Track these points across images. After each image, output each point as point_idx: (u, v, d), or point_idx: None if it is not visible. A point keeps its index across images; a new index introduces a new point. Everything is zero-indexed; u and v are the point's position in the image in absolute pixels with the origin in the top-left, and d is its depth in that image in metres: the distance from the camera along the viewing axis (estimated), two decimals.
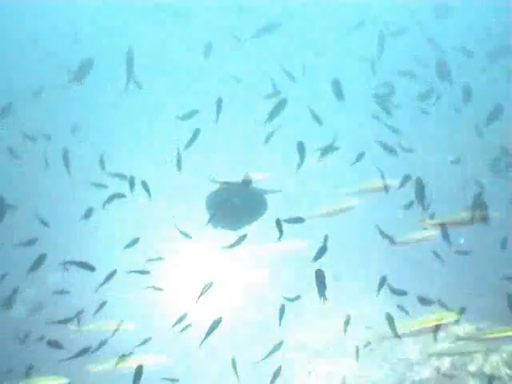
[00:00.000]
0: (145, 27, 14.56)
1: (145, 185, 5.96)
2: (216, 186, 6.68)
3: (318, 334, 7.59)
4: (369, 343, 6.37)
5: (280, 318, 5.21)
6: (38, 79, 11.47)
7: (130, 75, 7.37)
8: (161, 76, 14.43)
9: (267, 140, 6.54)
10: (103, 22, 15.77)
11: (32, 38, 14.38)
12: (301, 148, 5.76)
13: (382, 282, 6.53)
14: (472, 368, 5.52)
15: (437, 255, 5.82)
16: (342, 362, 6.95)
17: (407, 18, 12.79)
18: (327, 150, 6.21)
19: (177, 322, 5.44)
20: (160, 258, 6.02)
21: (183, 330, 5.37)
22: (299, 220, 5.71)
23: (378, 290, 5.86)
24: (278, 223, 5.25)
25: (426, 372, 5.89)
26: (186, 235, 5.98)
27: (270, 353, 5.41)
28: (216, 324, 4.97)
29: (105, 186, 6.82)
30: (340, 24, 14.36)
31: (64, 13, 15.85)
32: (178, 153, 6.06)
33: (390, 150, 6.35)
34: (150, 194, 5.94)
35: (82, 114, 13.30)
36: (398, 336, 5.07)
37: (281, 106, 6.28)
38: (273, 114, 6.29)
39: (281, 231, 5.23)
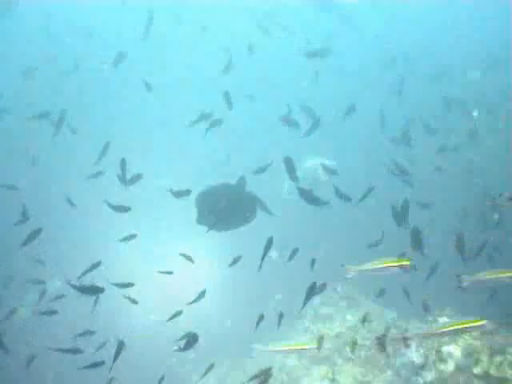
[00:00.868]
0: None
1: (123, 167, 5.96)
2: (208, 186, 6.72)
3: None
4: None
5: (257, 325, 5.27)
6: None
7: (147, 29, 9.53)
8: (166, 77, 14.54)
9: (262, 171, 6.68)
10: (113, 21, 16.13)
11: (46, 32, 14.74)
12: (288, 163, 5.77)
13: (382, 292, 6.70)
14: (477, 370, 5.45)
15: None
16: (344, 368, 6.85)
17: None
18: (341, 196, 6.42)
19: (171, 318, 5.53)
20: (170, 272, 6.01)
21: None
22: (295, 251, 5.80)
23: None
24: (267, 246, 5.25)
25: (431, 376, 5.81)
26: (189, 259, 6.03)
27: (255, 377, 5.24)
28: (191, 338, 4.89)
29: (101, 174, 6.85)
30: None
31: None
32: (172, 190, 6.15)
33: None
34: (125, 182, 5.97)
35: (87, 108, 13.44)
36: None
37: (316, 124, 7.19)
38: (310, 132, 7.15)
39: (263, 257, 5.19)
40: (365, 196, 6.30)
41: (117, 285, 5.52)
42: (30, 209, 6.97)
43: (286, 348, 5.32)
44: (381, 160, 8.08)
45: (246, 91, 11.01)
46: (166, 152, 12.98)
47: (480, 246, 6.20)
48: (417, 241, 5.44)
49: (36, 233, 5.90)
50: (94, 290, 4.98)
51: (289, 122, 7.35)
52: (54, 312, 6.00)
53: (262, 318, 5.32)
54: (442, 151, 9.07)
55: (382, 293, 6.77)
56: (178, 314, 5.68)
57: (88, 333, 6.00)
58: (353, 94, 12.44)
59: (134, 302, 5.88)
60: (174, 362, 8.72)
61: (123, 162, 5.94)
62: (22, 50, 15.35)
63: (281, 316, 5.46)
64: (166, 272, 5.95)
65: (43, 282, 6.81)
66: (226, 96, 6.87)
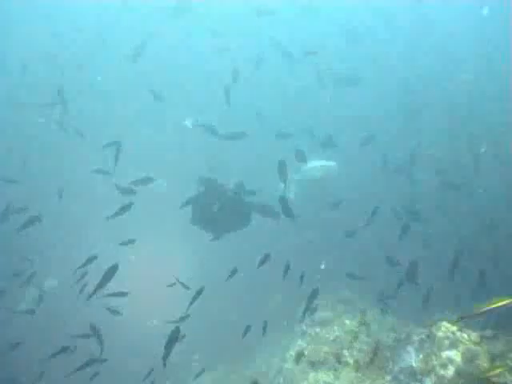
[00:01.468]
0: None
1: (117, 152, 5.94)
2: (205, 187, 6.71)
3: (316, 343, 7.38)
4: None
5: (243, 336, 5.46)
6: None
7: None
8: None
9: (254, 193, 6.76)
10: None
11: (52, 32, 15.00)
12: (281, 167, 5.85)
13: (364, 315, 6.87)
14: (477, 376, 5.36)
15: None
16: (341, 373, 6.75)
17: None
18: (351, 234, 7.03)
19: (176, 321, 5.50)
20: (173, 284, 6.06)
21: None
22: (288, 267, 5.90)
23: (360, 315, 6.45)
24: (263, 260, 5.35)
25: (430, 381, 5.71)
26: (186, 287, 6.01)
27: None
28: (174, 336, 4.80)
29: (108, 173, 6.83)
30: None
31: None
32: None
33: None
34: (116, 162, 6.00)
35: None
36: None
37: (329, 140, 7.56)
38: (325, 146, 7.64)
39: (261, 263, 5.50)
40: (371, 215, 6.62)
41: (111, 295, 5.44)
42: (30, 207, 6.89)
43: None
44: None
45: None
46: (161, 152, 12.94)
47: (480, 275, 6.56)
48: (412, 273, 5.83)
49: (34, 219, 5.85)
50: (112, 272, 4.84)
51: (297, 155, 7.55)
52: (31, 311, 5.98)
53: (248, 329, 5.49)
54: (446, 190, 9.21)
55: (364, 319, 7.29)
56: (184, 318, 5.65)
57: (86, 336, 5.88)
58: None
59: (118, 313, 5.86)
60: (178, 362, 8.65)
61: (118, 145, 5.92)
62: (23, 48, 15.40)
63: (265, 326, 5.70)
64: (170, 284, 5.99)
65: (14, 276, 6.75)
66: (226, 91, 6.85)
